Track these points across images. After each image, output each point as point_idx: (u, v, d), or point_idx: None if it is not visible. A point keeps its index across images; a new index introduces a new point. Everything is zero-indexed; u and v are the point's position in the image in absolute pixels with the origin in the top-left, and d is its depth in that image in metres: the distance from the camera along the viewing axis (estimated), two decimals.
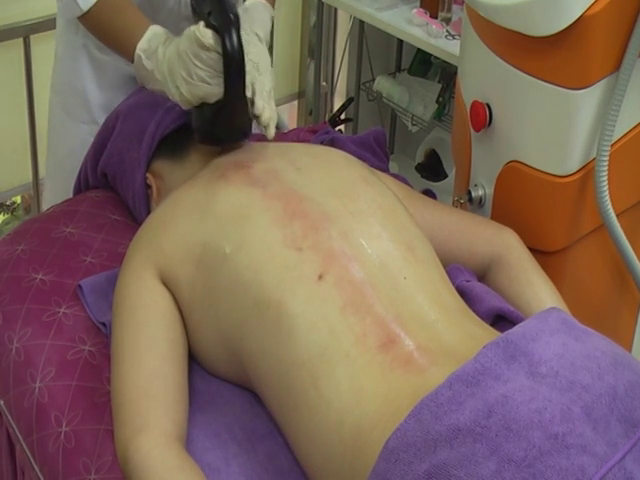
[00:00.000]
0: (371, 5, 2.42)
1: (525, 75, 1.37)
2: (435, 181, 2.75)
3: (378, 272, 1.14)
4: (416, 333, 1.08)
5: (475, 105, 1.47)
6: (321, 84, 2.97)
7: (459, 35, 2.14)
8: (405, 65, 2.82)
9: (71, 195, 1.63)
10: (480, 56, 1.46)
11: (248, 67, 1.27)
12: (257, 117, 1.31)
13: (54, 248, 1.41)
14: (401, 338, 1.07)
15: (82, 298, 1.33)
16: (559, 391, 0.94)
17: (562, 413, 0.92)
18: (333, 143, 1.62)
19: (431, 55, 2.52)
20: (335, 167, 1.31)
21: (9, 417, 1.29)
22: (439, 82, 2.68)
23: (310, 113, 3.02)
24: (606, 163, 1.34)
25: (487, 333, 1.12)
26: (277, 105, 1.35)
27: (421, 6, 2.35)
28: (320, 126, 1.87)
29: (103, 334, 1.29)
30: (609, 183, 1.35)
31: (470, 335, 1.10)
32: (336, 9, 2.85)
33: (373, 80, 2.80)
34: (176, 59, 1.29)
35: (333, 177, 1.28)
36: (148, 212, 1.43)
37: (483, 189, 1.53)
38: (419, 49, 2.58)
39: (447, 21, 2.31)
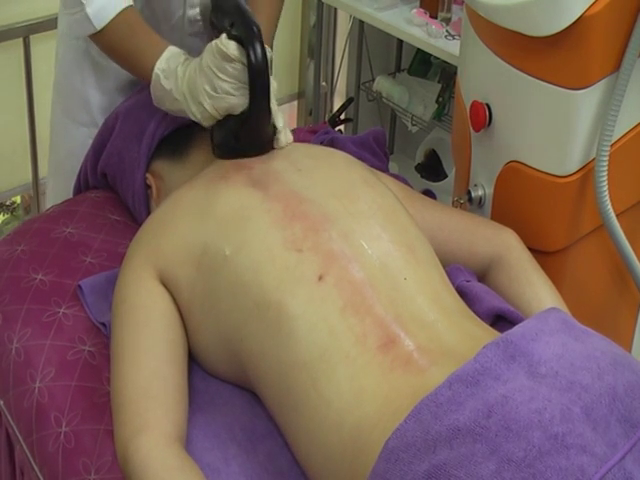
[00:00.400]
0: (371, 5, 2.42)
1: (525, 75, 1.37)
2: (435, 181, 2.75)
3: (378, 273, 1.14)
4: (416, 333, 1.08)
5: (475, 105, 1.47)
6: (321, 84, 2.97)
7: (459, 35, 2.14)
8: (405, 65, 2.82)
9: (71, 195, 1.63)
10: (480, 56, 1.46)
11: None
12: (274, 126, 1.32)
13: (54, 248, 1.41)
14: (401, 338, 1.07)
15: (82, 298, 1.33)
16: (559, 391, 0.94)
17: (562, 413, 0.92)
18: (333, 143, 1.62)
19: (431, 55, 2.52)
20: (336, 168, 1.31)
21: (9, 417, 1.29)
22: (439, 82, 2.68)
23: (310, 113, 3.02)
24: (606, 163, 1.34)
25: (487, 333, 1.12)
26: (277, 105, 1.35)
27: (421, 6, 2.35)
28: (320, 126, 1.87)
29: (103, 334, 1.29)
30: (609, 183, 1.35)
31: (470, 335, 1.10)
32: (336, 9, 2.84)
33: (373, 80, 2.80)
34: (198, 75, 1.28)
35: (334, 178, 1.28)
36: (148, 212, 1.43)
37: (483, 189, 1.53)
38: (419, 49, 2.58)
39: (447, 21, 2.31)
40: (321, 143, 1.65)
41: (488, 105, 1.45)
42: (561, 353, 0.99)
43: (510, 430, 0.91)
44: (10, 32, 2.30)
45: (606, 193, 1.36)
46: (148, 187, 1.45)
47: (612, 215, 1.37)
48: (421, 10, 2.32)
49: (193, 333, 1.22)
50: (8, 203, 2.99)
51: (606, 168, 1.34)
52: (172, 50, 1.36)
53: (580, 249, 1.48)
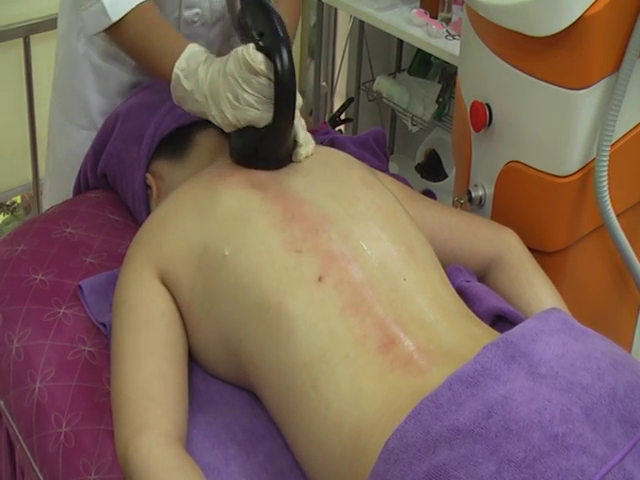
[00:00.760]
0: (371, 5, 2.42)
1: (525, 75, 1.37)
2: (435, 181, 2.75)
3: (378, 273, 1.14)
4: (416, 334, 1.08)
5: (475, 105, 1.47)
6: (321, 84, 2.96)
7: (459, 35, 2.14)
8: (405, 65, 2.82)
9: (71, 196, 1.63)
10: (480, 56, 1.46)
11: None
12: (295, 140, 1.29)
13: (54, 248, 1.41)
14: (401, 339, 1.07)
15: (82, 298, 1.33)
16: (559, 392, 0.94)
17: (562, 414, 0.92)
18: (333, 143, 1.62)
19: (431, 55, 2.52)
20: (335, 170, 1.31)
21: (9, 417, 1.29)
22: (439, 82, 2.68)
23: (310, 113, 3.01)
24: (606, 163, 1.34)
25: (487, 334, 1.12)
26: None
27: (421, 6, 2.35)
28: (320, 126, 1.88)
29: (103, 334, 1.29)
30: (609, 183, 1.35)
31: (470, 336, 1.10)
32: (336, 9, 2.84)
33: (373, 80, 2.80)
34: (221, 80, 1.23)
35: (333, 180, 1.28)
36: (148, 212, 1.43)
37: (483, 189, 1.53)
38: (419, 49, 2.58)
39: (447, 21, 2.31)
40: (321, 143, 1.65)
41: (488, 105, 1.45)
42: (561, 353, 0.99)
43: (510, 430, 0.91)
44: (10, 32, 2.30)
45: (606, 193, 1.36)
46: (148, 187, 1.45)
47: (612, 215, 1.37)
48: (421, 10, 2.32)
49: (193, 333, 1.22)
50: (8, 203, 2.99)
51: (606, 168, 1.34)
52: (192, 48, 1.31)
53: (580, 249, 1.48)
